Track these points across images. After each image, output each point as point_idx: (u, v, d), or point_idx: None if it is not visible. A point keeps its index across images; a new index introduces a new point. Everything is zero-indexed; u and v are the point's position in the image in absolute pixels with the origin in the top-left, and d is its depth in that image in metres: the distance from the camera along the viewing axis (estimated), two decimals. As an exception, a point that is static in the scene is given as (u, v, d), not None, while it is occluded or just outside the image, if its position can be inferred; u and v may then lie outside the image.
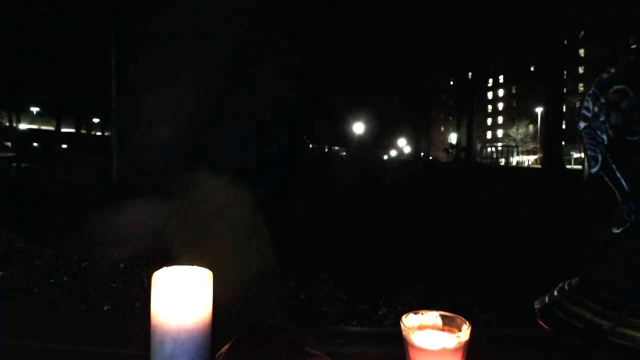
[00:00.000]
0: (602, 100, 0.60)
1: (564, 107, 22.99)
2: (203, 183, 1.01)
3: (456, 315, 0.62)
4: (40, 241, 4.23)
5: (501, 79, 56.17)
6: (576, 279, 0.69)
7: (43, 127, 45.28)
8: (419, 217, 6.72)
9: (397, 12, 24.64)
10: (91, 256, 3.79)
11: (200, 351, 0.61)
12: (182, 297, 0.60)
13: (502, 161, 42.22)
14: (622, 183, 0.60)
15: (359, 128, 29.17)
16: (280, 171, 1.14)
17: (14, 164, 16.46)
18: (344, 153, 37.08)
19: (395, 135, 52.65)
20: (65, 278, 3.37)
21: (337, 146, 39.89)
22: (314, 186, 6.67)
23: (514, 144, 45.69)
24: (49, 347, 0.76)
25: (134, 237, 1.07)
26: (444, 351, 0.57)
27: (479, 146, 52.23)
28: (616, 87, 0.59)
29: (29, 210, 6.96)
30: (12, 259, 3.77)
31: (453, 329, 0.61)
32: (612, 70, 0.61)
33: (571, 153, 34.47)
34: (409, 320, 0.62)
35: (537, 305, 0.70)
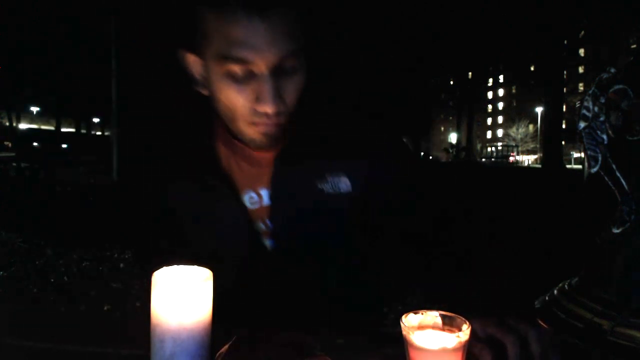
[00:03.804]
0: (602, 100, 0.60)
1: (564, 107, 22.98)
2: None
3: (456, 315, 0.62)
4: (41, 241, 4.23)
5: (501, 78, 56.18)
6: (576, 279, 0.69)
7: (43, 127, 45.29)
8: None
9: (397, 11, 24.65)
10: (90, 256, 3.79)
11: (200, 351, 0.61)
12: (182, 296, 0.59)
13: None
14: (622, 183, 0.60)
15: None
16: None
17: (14, 164, 16.46)
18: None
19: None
20: (65, 278, 3.38)
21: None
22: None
23: (514, 144, 45.71)
24: (49, 347, 0.76)
25: None
26: (444, 351, 0.57)
27: (479, 146, 52.18)
28: (616, 87, 0.59)
29: (29, 210, 6.95)
30: (12, 259, 3.77)
31: (453, 329, 0.61)
32: (612, 70, 0.61)
33: (571, 153, 34.47)
34: (409, 320, 0.62)
35: (537, 305, 0.70)
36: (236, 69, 0.69)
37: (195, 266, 0.65)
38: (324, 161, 0.84)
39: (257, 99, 0.71)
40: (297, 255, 0.84)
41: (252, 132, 0.75)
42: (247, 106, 0.72)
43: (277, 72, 0.71)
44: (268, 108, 0.71)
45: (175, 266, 0.65)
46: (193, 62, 0.77)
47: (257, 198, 0.84)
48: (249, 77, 0.70)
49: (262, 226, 0.84)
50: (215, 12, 0.68)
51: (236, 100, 0.72)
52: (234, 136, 0.80)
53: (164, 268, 0.64)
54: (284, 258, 0.84)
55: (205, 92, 0.78)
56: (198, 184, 0.84)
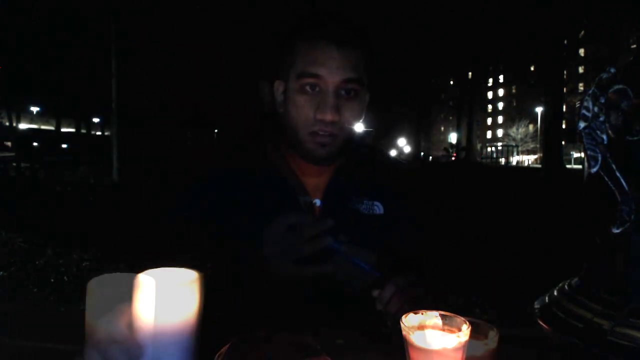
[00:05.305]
0: (602, 100, 0.60)
1: (564, 107, 22.95)
2: None
3: (456, 315, 0.62)
4: (40, 240, 4.23)
5: (501, 78, 56.15)
6: (576, 279, 0.69)
7: (43, 127, 45.28)
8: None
9: (397, 11, 24.66)
10: (90, 256, 3.79)
11: (184, 356, 0.59)
12: (162, 300, 0.56)
13: (502, 161, 42.19)
14: (622, 183, 0.60)
15: (358, 127, 29.15)
16: None
17: (14, 164, 16.46)
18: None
19: (395, 135, 52.65)
20: (65, 278, 3.38)
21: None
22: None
23: (514, 144, 45.69)
24: (49, 347, 0.76)
25: None
26: (444, 351, 0.57)
27: (479, 146, 52.15)
28: (616, 87, 0.59)
29: (29, 210, 6.95)
30: (12, 259, 3.77)
31: (453, 329, 0.61)
32: (612, 70, 0.61)
33: (571, 153, 34.45)
34: (409, 320, 0.62)
35: (537, 305, 0.70)
36: (310, 81, 0.90)
37: (182, 268, 0.62)
38: (364, 187, 1.05)
39: (319, 108, 0.91)
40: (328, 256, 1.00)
41: (311, 142, 0.94)
42: (310, 115, 0.92)
43: (339, 91, 0.92)
44: (326, 116, 0.90)
45: (160, 268, 0.62)
46: (278, 85, 0.99)
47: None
48: (317, 92, 0.91)
49: None
50: (306, 43, 0.92)
51: (303, 109, 0.92)
52: (299, 154, 0.99)
53: (149, 270, 0.61)
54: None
55: (280, 109, 0.99)
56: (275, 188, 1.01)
